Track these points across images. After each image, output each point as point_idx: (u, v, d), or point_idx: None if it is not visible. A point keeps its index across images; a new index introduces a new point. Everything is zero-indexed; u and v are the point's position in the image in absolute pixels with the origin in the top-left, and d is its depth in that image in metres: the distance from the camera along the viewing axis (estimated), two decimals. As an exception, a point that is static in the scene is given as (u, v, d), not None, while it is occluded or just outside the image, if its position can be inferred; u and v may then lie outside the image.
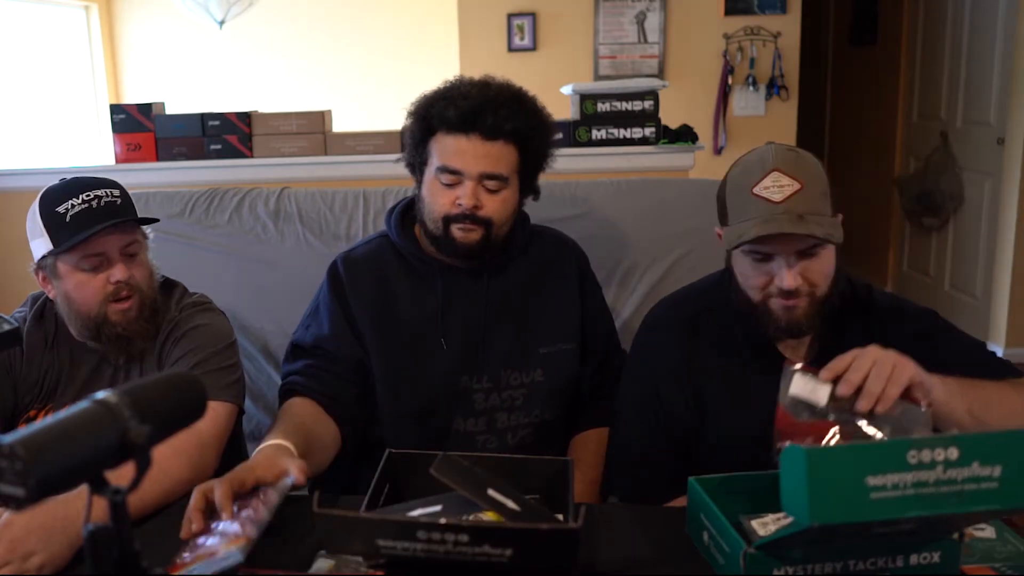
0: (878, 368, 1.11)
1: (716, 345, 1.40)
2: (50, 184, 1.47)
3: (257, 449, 1.27)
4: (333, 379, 1.50)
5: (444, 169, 1.48)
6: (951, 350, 1.36)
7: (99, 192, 1.44)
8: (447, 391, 1.54)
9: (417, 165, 1.56)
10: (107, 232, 1.42)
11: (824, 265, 1.30)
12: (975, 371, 1.27)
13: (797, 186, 1.26)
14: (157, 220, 1.53)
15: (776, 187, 1.25)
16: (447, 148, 1.49)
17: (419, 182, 1.57)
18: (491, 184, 1.48)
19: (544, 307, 1.61)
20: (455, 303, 1.56)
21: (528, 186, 1.59)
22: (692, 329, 1.42)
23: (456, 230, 1.49)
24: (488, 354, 1.55)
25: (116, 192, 1.47)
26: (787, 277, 1.27)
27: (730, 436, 1.37)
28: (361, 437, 1.53)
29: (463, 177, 1.48)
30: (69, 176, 1.50)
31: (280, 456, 1.22)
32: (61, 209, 1.41)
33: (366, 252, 1.61)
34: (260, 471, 1.18)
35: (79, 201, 1.42)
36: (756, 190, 1.27)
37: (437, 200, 1.50)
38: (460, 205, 1.47)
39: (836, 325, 1.36)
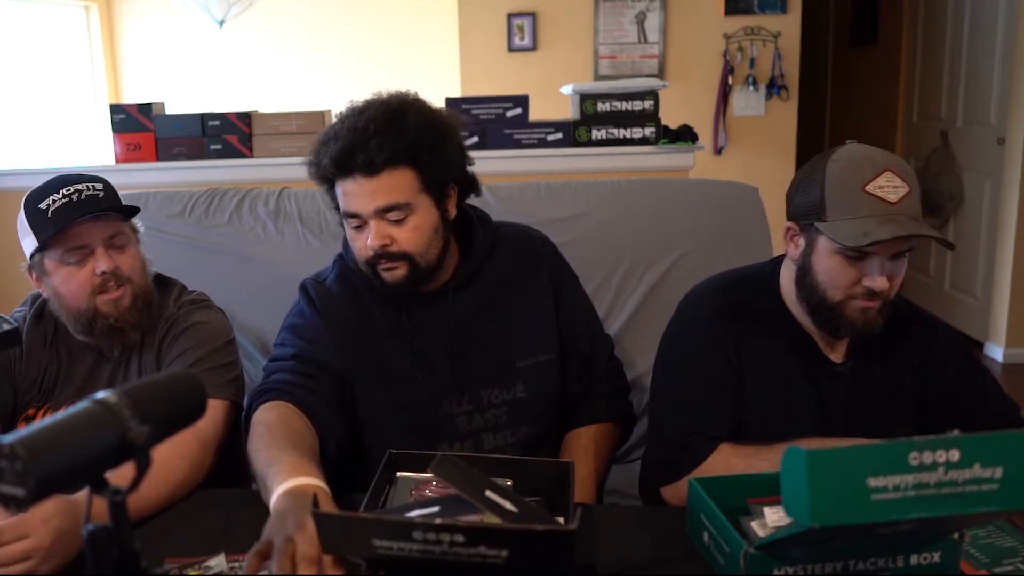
0: None
1: (754, 336, 1.39)
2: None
3: (295, 486, 1.11)
4: (316, 396, 1.40)
5: (347, 214, 1.43)
6: (990, 407, 1.38)
7: (80, 186, 1.44)
8: (428, 419, 1.48)
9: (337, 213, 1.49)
10: (88, 223, 1.41)
11: (903, 269, 1.31)
12: (998, 420, 1.32)
13: (907, 188, 1.25)
14: (138, 210, 1.51)
15: (891, 187, 1.24)
16: (342, 193, 1.43)
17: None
18: (393, 215, 1.40)
19: (517, 319, 1.55)
20: (425, 328, 1.50)
21: (442, 199, 1.46)
22: (732, 316, 1.40)
23: (381, 271, 1.43)
24: (465, 375, 1.49)
25: (98, 186, 1.46)
26: (882, 279, 1.27)
27: (771, 433, 1.32)
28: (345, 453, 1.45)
29: (363, 218, 1.41)
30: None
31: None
32: (43, 206, 1.42)
33: (334, 279, 1.54)
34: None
35: (60, 196, 1.42)
36: (870, 188, 1.25)
37: (355, 245, 1.45)
38: (371, 247, 1.42)
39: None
